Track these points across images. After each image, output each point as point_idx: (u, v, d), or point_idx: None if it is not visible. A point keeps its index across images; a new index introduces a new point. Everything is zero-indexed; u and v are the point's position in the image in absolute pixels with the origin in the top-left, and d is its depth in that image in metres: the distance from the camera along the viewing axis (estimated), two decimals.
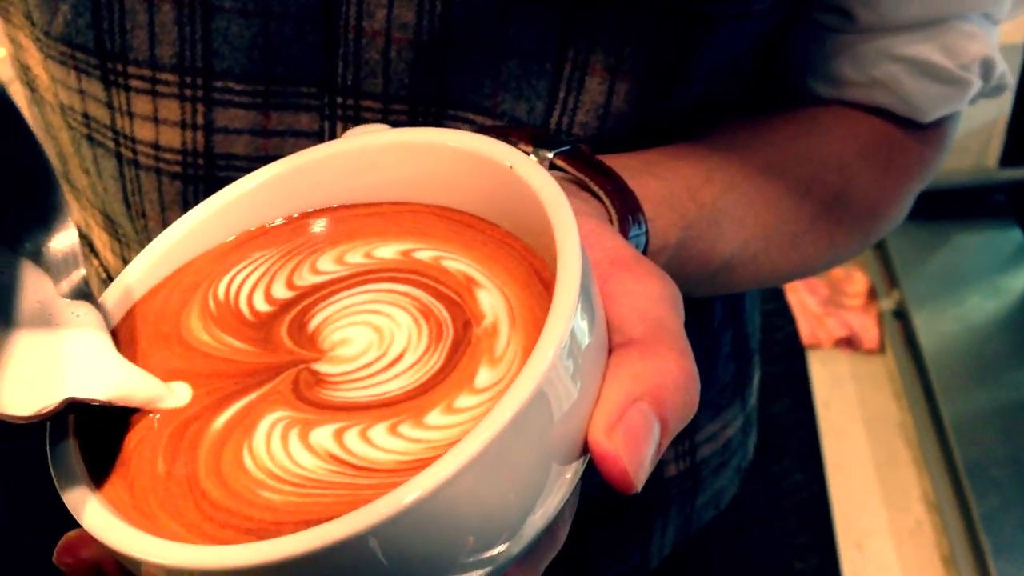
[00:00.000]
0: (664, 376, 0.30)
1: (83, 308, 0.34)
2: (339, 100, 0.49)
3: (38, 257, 0.35)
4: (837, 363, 1.67)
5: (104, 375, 0.32)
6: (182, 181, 0.52)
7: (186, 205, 0.52)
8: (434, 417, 0.30)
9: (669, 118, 0.50)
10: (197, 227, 0.38)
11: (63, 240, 0.35)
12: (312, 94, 0.49)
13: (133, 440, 0.32)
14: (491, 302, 0.33)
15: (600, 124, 0.48)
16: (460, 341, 0.32)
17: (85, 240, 0.64)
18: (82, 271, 0.35)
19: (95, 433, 0.32)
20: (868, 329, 1.66)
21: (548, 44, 0.47)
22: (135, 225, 0.56)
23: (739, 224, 0.50)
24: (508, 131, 0.44)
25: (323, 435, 0.30)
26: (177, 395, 0.33)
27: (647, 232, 0.42)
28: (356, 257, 0.36)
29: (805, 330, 1.67)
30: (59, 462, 0.31)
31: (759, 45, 0.52)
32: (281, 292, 0.36)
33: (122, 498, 0.30)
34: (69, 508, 0.29)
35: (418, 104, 0.49)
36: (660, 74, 0.47)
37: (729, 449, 0.70)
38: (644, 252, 0.43)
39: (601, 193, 0.41)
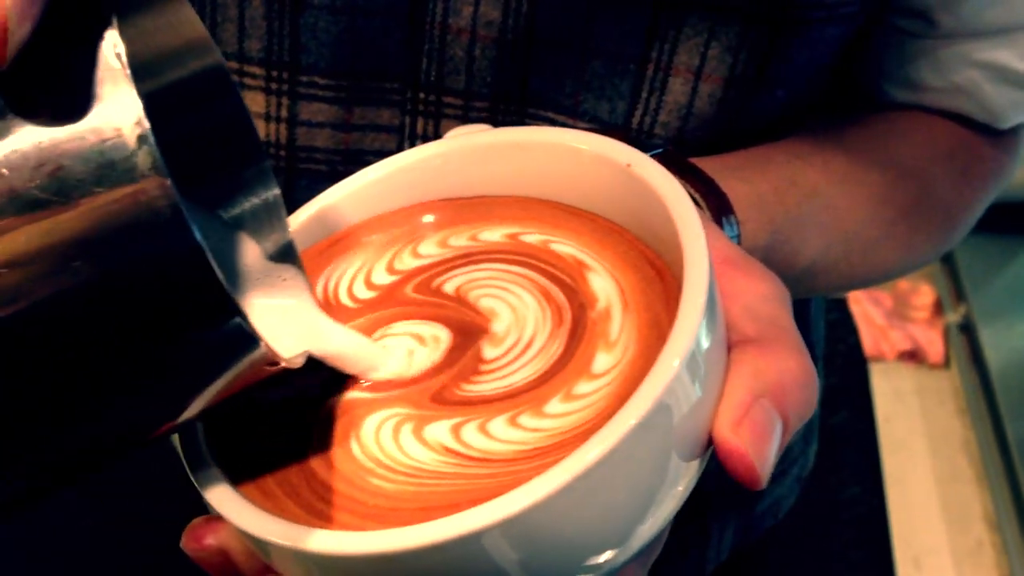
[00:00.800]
0: (784, 374, 0.30)
1: (290, 271, 0.35)
2: (421, 96, 0.49)
3: (244, 221, 0.35)
4: (900, 376, 1.64)
5: (324, 334, 0.33)
6: None
7: None
8: (554, 405, 0.30)
9: (751, 121, 0.50)
10: (301, 228, 0.38)
11: (268, 204, 0.35)
12: (394, 89, 0.49)
13: (258, 422, 0.33)
14: (603, 285, 0.33)
15: (682, 125, 0.48)
16: (577, 325, 0.32)
17: None
18: (288, 232, 0.35)
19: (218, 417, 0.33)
20: (933, 343, 1.63)
21: (633, 45, 0.47)
22: None
23: (822, 229, 0.50)
24: (604, 133, 0.44)
25: (439, 430, 0.31)
26: (390, 364, 0.33)
27: (739, 234, 0.42)
28: (460, 240, 0.37)
29: (868, 342, 1.64)
30: (189, 446, 0.31)
31: (841, 49, 0.51)
32: (382, 278, 0.37)
33: (248, 479, 0.31)
34: (199, 489, 0.30)
35: (499, 102, 0.49)
36: (744, 77, 0.47)
37: (789, 457, 0.69)
38: None
39: (696, 195, 0.41)
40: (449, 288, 0.36)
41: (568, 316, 0.33)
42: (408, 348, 0.34)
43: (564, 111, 0.49)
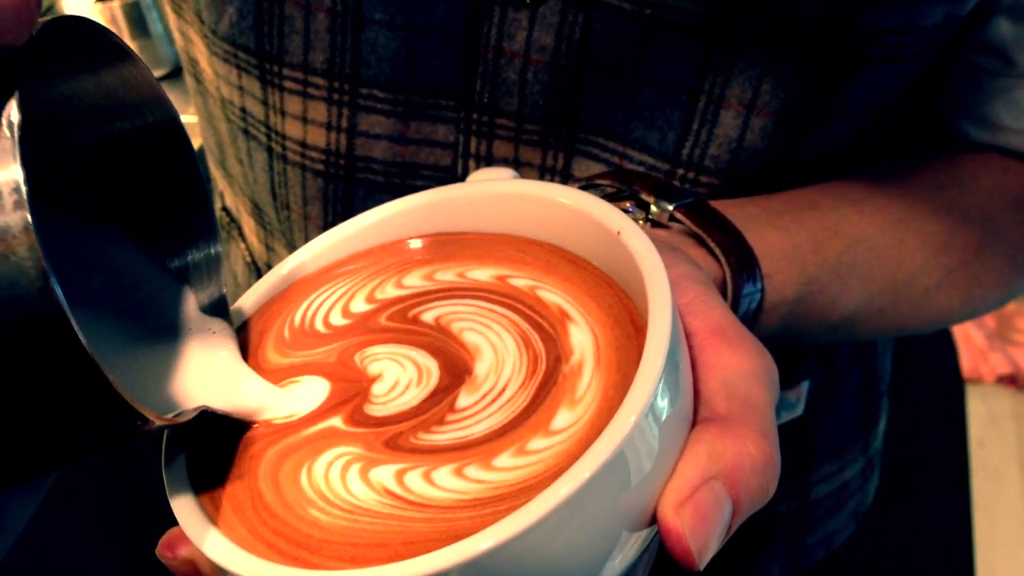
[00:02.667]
0: (742, 458, 0.30)
1: (219, 324, 0.36)
2: (475, 116, 0.50)
3: (185, 271, 0.37)
4: (997, 400, 1.58)
5: (234, 389, 0.34)
6: (324, 179, 0.54)
7: (326, 202, 0.55)
8: (504, 459, 0.30)
9: (806, 155, 0.49)
10: (311, 258, 0.40)
11: (208, 259, 0.37)
12: (450, 107, 0.50)
13: (234, 445, 0.34)
14: (580, 339, 0.33)
15: (732, 158, 0.48)
16: (549, 378, 0.32)
17: (235, 224, 0.68)
18: (222, 287, 0.37)
19: (200, 432, 0.34)
20: None
21: (686, 76, 0.47)
22: (279, 215, 0.59)
23: (865, 279, 0.48)
24: (632, 178, 0.44)
25: (384, 473, 0.31)
26: (294, 407, 0.35)
27: (763, 289, 0.42)
28: (447, 275, 0.37)
29: (967, 363, 1.59)
30: (171, 466, 0.33)
31: (907, 86, 0.50)
32: (360, 307, 0.38)
33: (208, 490, 0.32)
34: (172, 507, 0.32)
35: (551, 125, 0.50)
36: (798, 112, 0.47)
37: (846, 491, 0.68)
38: (759, 309, 0.42)
39: (717, 250, 0.41)
40: (428, 318, 0.36)
41: (542, 367, 0.33)
42: (395, 378, 0.35)
43: (614, 137, 0.49)
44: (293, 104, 0.53)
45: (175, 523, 0.32)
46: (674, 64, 0.46)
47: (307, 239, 0.57)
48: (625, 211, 0.42)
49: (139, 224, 0.36)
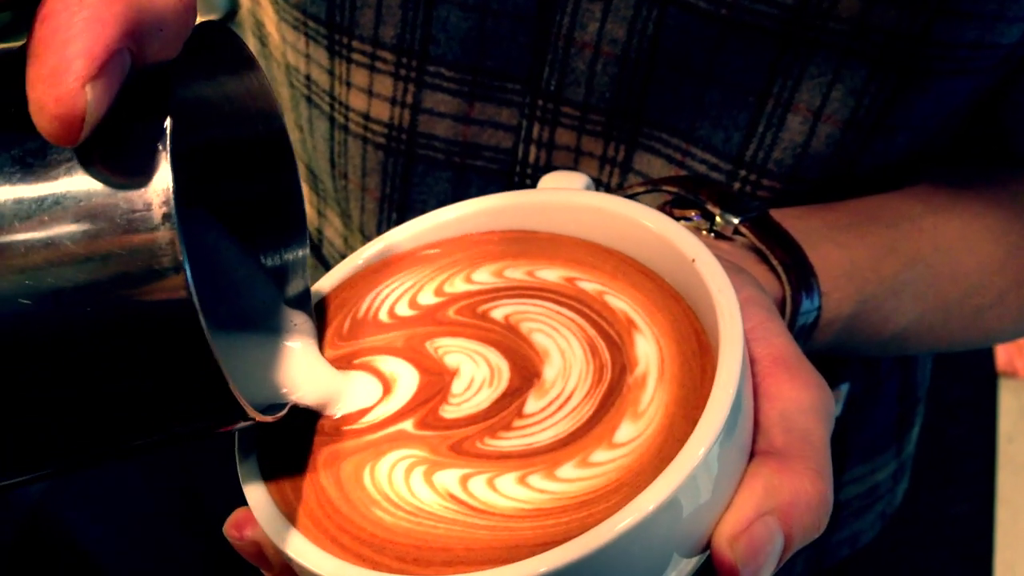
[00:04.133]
0: (798, 495, 0.30)
1: (301, 318, 0.37)
2: (540, 103, 0.50)
3: (271, 263, 0.38)
4: None
5: (317, 384, 0.35)
6: (384, 152, 0.55)
7: (384, 175, 0.55)
8: (567, 470, 0.31)
9: (869, 164, 0.48)
10: (383, 248, 0.40)
11: (298, 258, 0.38)
12: (516, 91, 0.50)
13: (304, 438, 0.35)
14: (646, 350, 0.34)
15: (796, 163, 0.48)
16: (614, 389, 0.33)
17: None
18: (307, 282, 0.38)
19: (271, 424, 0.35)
20: None
21: (755, 77, 0.46)
22: (336, 184, 0.59)
23: (919, 298, 0.48)
24: (700, 187, 0.44)
25: (448, 477, 0.32)
26: (377, 403, 0.35)
27: (820, 307, 0.42)
28: (516, 273, 0.37)
29: (1002, 356, 1.57)
30: (244, 453, 0.34)
31: (973, 101, 0.49)
32: (428, 299, 0.38)
33: (278, 480, 0.33)
34: (245, 493, 0.33)
35: (615, 117, 0.49)
36: (866, 121, 0.46)
37: (875, 493, 0.68)
38: (814, 326, 0.43)
39: (779, 267, 0.41)
40: (497, 315, 0.36)
41: (608, 376, 0.33)
42: (470, 375, 0.35)
43: (678, 134, 0.49)
44: (360, 77, 0.53)
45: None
46: (745, 65, 0.46)
47: (363, 209, 0.58)
48: (689, 220, 0.43)
49: (230, 218, 0.37)
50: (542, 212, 0.39)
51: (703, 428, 0.29)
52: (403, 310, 0.38)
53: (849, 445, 0.64)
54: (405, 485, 0.32)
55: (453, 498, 0.31)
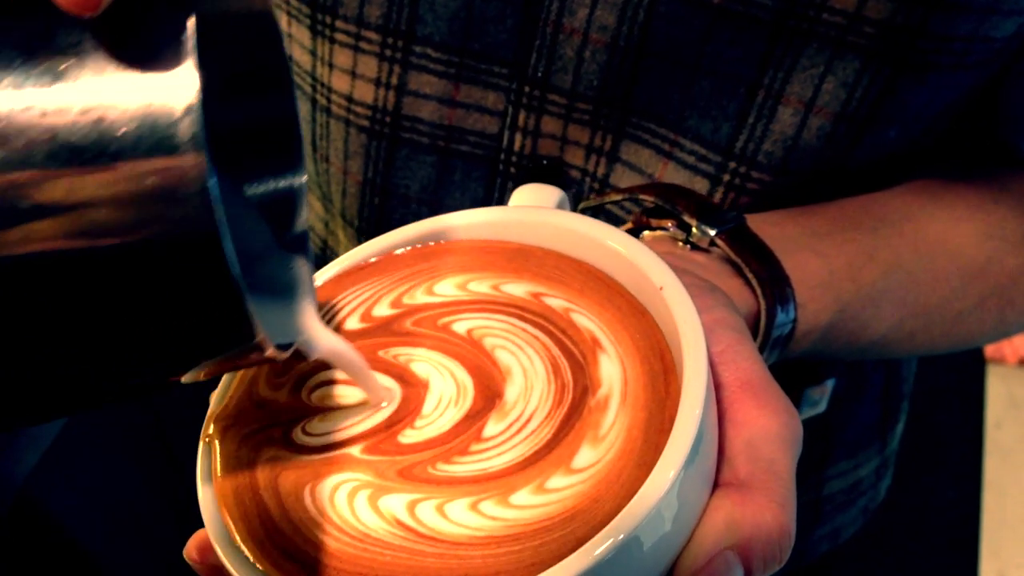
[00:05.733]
0: (759, 529, 0.30)
1: (298, 262, 0.35)
2: (527, 89, 0.50)
3: (267, 204, 0.35)
4: (1018, 382, 1.57)
5: (315, 332, 0.33)
6: (368, 135, 0.54)
7: (367, 159, 0.55)
8: (521, 496, 0.30)
9: (859, 158, 0.48)
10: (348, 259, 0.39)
11: (294, 189, 0.35)
12: (502, 75, 0.50)
13: (265, 457, 0.34)
14: (609, 371, 0.33)
15: (786, 155, 0.47)
16: (574, 411, 0.32)
17: None
18: (305, 223, 0.35)
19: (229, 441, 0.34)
20: None
21: (746, 68, 0.46)
22: (317, 168, 0.59)
23: (898, 304, 0.48)
24: (677, 196, 0.43)
25: (395, 503, 0.31)
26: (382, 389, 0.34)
27: (796, 319, 0.42)
28: (482, 287, 0.36)
29: (989, 344, 1.58)
30: (204, 476, 0.33)
31: (967, 96, 0.48)
32: (384, 311, 0.36)
33: (227, 498, 0.32)
34: (203, 518, 0.32)
35: (602, 106, 0.49)
36: (858, 114, 0.46)
37: (858, 489, 0.68)
38: (790, 337, 0.42)
39: (754, 281, 0.41)
40: (460, 329, 0.35)
41: (569, 398, 0.32)
42: (439, 391, 0.34)
43: (666, 124, 0.49)
44: (343, 57, 0.52)
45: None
46: (736, 55, 0.46)
47: (344, 194, 0.57)
48: (665, 229, 0.42)
49: (229, 149, 0.34)
50: (512, 228, 0.38)
51: (665, 462, 0.29)
52: (354, 323, 0.36)
53: (833, 440, 0.64)
54: (349, 509, 0.31)
55: (400, 524, 0.30)
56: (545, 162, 0.51)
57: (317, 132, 0.56)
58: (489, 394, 0.33)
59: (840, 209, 0.49)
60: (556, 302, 0.35)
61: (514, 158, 0.52)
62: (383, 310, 0.36)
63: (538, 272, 0.36)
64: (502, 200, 0.53)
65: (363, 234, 0.58)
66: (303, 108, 0.56)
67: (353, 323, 0.36)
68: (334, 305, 0.37)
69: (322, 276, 0.39)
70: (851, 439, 0.65)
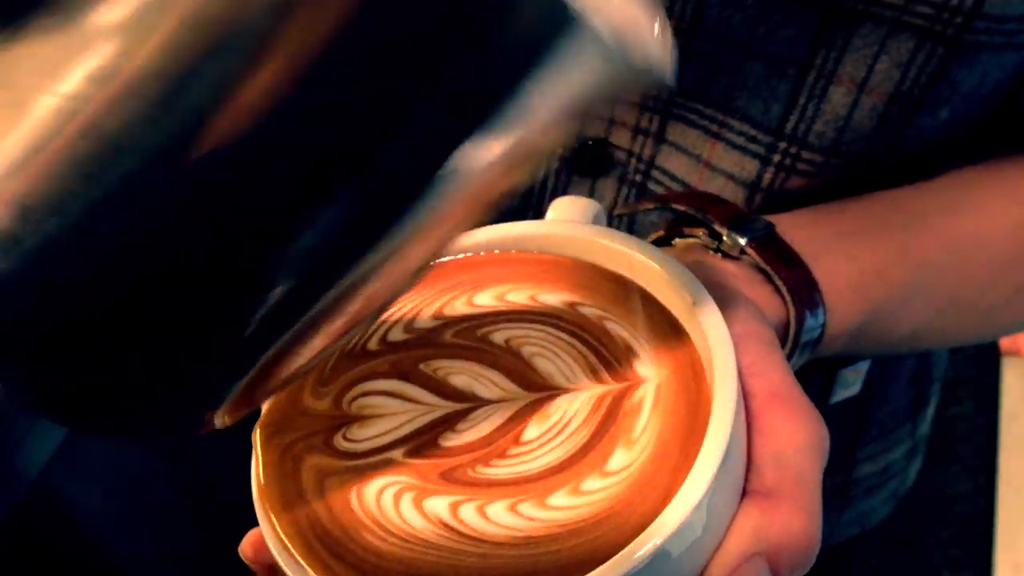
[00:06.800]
0: (787, 536, 0.31)
1: None
2: None
3: None
4: None
5: None
6: None
7: None
8: (558, 498, 0.31)
9: (911, 138, 0.48)
10: None
11: None
12: None
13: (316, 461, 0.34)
14: (643, 376, 0.34)
15: (837, 136, 0.47)
16: (610, 415, 0.33)
17: None
18: None
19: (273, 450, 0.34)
20: None
21: (797, 49, 0.46)
22: None
23: (928, 301, 0.48)
24: (708, 203, 0.44)
25: (438, 504, 0.32)
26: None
27: (825, 323, 0.42)
28: (520, 298, 0.37)
29: (1005, 336, 1.57)
30: (255, 473, 0.34)
31: (1016, 77, 0.48)
32: (426, 323, 0.37)
33: (275, 500, 0.33)
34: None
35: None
36: (911, 95, 0.46)
37: (888, 472, 0.67)
38: (819, 340, 0.43)
39: (783, 288, 0.41)
40: (498, 339, 0.36)
41: (607, 403, 0.33)
42: (480, 399, 0.34)
43: (714, 106, 0.48)
44: None
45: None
46: (787, 36, 0.45)
47: None
48: (696, 237, 0.43)
49: None
50: (545, 241, 0.38)
51: (699, 468, 0.30)
52: (398, 334, 0.37)
53: (864, 423, 0.63)
54: (394, 510, 0.32)
55: (444, 524, 0.31)
56: (590, 143, 0.51)
57: None
58: (528, 400, 0.34)
59: (871, 206, 0.48)
60: (590, 311, 0.36)
61: None
62: (425, 322, 0.37)
63: (573, 283, 0.37)
64: (544, 183, 0.54)
65: None
66: None
67: (397, 335, 0.37)
68: (382, 318, 0.38)
69: None
70: (882, 421, 0.64)
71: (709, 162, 0.50)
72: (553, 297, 0.37)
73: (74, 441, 0.87)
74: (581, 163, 0.53)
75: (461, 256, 0.39)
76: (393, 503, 0.32)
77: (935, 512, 1.41)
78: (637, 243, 0.37)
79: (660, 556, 0.29)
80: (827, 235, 0.45)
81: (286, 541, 0.31)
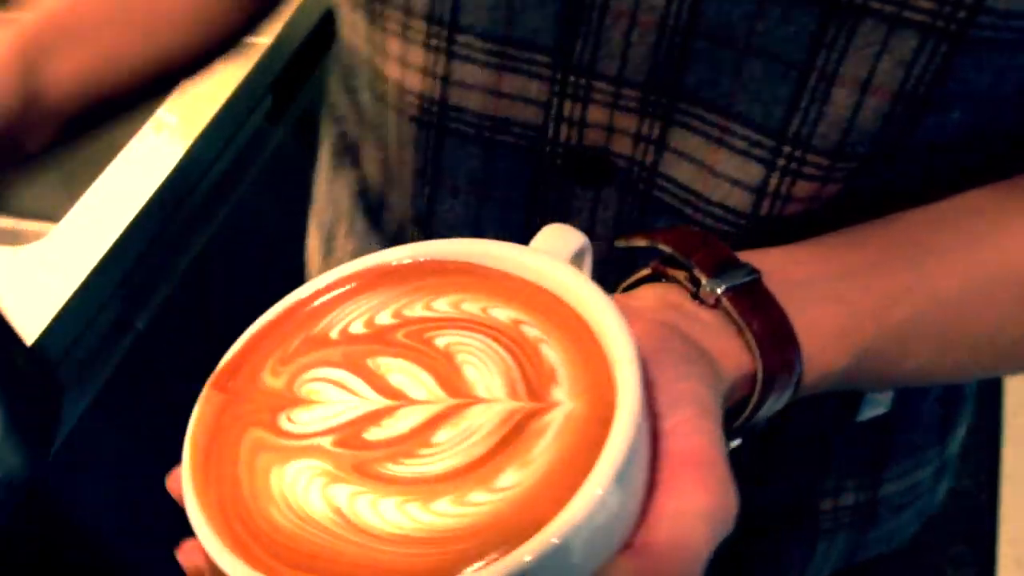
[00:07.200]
0: None
1: None
2: (571, 78, 0.48)
3: None
4: None
5: None
6: (417, 125, 0.53)
7: (417, 150, 0.54)
8: (442, 504, 0.32)
9: (921, 142, 0.46)
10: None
11: None
12: (546, 64, 0.49)
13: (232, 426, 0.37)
14: (556, 399, 0.35)
15: (842, 139, 0.45)
16: (514, 433, 0.34)
17: (350, 153, 0.67)
18: None
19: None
20: None
21: (797, 48, 0.44)
22: (377, 154, 0.59)
23: (936, 338, 0.46)
24: (697, 249, 0.43)
25: (340, 493, 0.34)
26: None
27: (800, 373, 0.42)
28: (472, 308, 0.38)
29: None
30: (192, 427, 0.36)
31: None
32: (385, 320, 0.39)
33: (202, 481, 0.35)
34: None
35: (650, 93, 0.47)
36: (915, 94, 0.44)
37: (915, 491, 0.66)
38: (796, 388, 0.42)
39: (755, 346, 0.40)
40: (440, 343, 0.37)
41: (516, 419, 0.34)
42: (410, 398, 0.36)
43: (716, 111, 0.47)
44: (394, 46, 0.52)
45: None
46: (786, 35, 0.44)
47: (398, 183, 0.58)
48: (677, 281, 0.43)
49: None
50: (512, 264, 0.39)
51: (573, 506, 0.30)
52: (358, 328, 0.39)
53: (892, 441, 0.62)
54: (304, 492, 0.34)
55: (339, 512, 0.33)
56: (589, 152, 0.51)
57: (376, 121, 0.57)
58: (447, 404, 0.35)
59: (886, 238, 0.47)
60: (531, 331, 0.37)
61: (560, 149, 0.51)
62: (384, 319, 0.39)
63: (525, 303, 0.38)
64: (546, 195, 0.53)
65: (417, 224, 0.58)
66: (364, 97, 0.57)
67: (357, 328, 0.39)
68: (349, 309, 0.40)
69: (351, 269, 0.41)
70: (911, 440, 0.63)
71: (713, 168, 0.48)
72: (502, 312, 0.38)
73: (76, 438, 0.86)
74: (581, 173, 0.52)
75: (437, 260, 0.40)
76: (305, 486, 0.34)
77: (938, 506, 1.41)
78: (593, 291, 0.37)
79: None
80: (824, 275, 0.44)
81: (196, 496, 0.34)
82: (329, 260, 0.70)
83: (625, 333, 0.35)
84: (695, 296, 0.42)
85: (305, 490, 0.34)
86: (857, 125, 0.45)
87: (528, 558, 0.29)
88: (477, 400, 0.35)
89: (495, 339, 0.37)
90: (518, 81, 0.50)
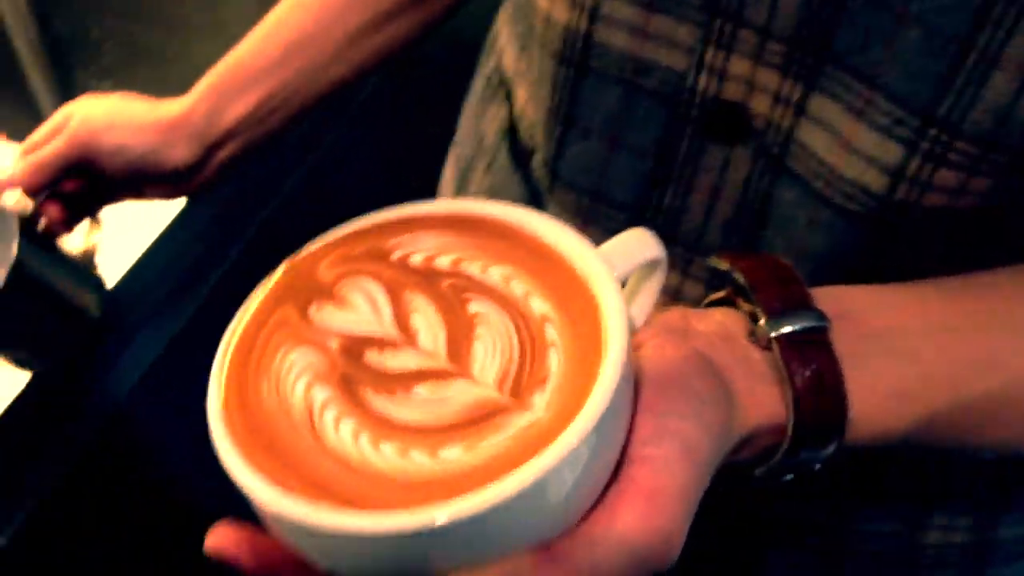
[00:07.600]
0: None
1: None
2: (718, 23, 0.47)
3: None
4: None
5: None
6: (556, 61, 0.53)
7: (552, 89, 0.54)
8: (387, 448, 0.34)
9: None
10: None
11: None
12: (696, 6, 0.47)
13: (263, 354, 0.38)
14: (542, 393, 0.35)
15: (996, 128, 0.42)
16: (477, 421, 0.34)
17: (504, 86, 0.67)
18: None
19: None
20: None
21: (960, 22, 0.41)
22: (526, 91, 0.59)
23: None
24: (768, 284, 0.41)
25: (318, 395, 0.36)
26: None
27: (841, 439, 0.39)
28: (519, 287, 0.39)
29: None
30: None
31: None
32: (419, 262, 0.40)
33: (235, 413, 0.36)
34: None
35: (796, 49, 0.45)
36: None
37: None
38: (839, 446, 0.40)
39: (790, 401, 0.38)
40: (472, 308, 0.38)
41: (484, 409, 0.35)
42: (418, 339, 0.37)
43: (862, 79, 0.44)
44: None
45: None
46: (948, 5, 0.40)
47: (537, 122, 0.58)
48: (743, 313, 0.41)
49: None
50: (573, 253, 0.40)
51: (513, 478, 0.31)
52: (417, 260, 0.40)
53: (1010, 489, 0.58)
54: (290, 377, 0.36)
55: (310, 413, 0.35)
56: (727, 105, 0.49)
57: (523, 56, 0.58)
58: (441, 368, 0.36)
59: (995, 298, 0.43)
60: (551, 333, 0.37)
61: (698, 99, 0.49)
62: (441, 263, 0.40)
63: (560, 301, 0.38)
64: (678, 146, 0.52)
65: (545, 165, 0.57)
66: (520, 28, 0.58)
67: (416, 260, 0.40)
68: (422, 240, 0.41)
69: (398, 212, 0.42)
70: None
71: (850, 142, 0.46)
72: (539, 304, 0.38)
73: (159, 370, 0.86)
74: (715, 128, 0.50)
75: (528, 235, 0.40)
76: (297, 373, 0.36)
77: None
78: (619, 312, 0.37)
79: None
80: (903, 329, 0.41)
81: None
82: (463, 194, 0.71)
83: (618, 354, 0.35)
84: (752, 333, 0.40)
85: (295, 378, 0.36)
86: (1015, 115, 0.41)
87: (442, 520, 0.31)
88: (467, 376, 0.36)
89: (518, 329, 0.37)
90: (667, 23, 0.48)
